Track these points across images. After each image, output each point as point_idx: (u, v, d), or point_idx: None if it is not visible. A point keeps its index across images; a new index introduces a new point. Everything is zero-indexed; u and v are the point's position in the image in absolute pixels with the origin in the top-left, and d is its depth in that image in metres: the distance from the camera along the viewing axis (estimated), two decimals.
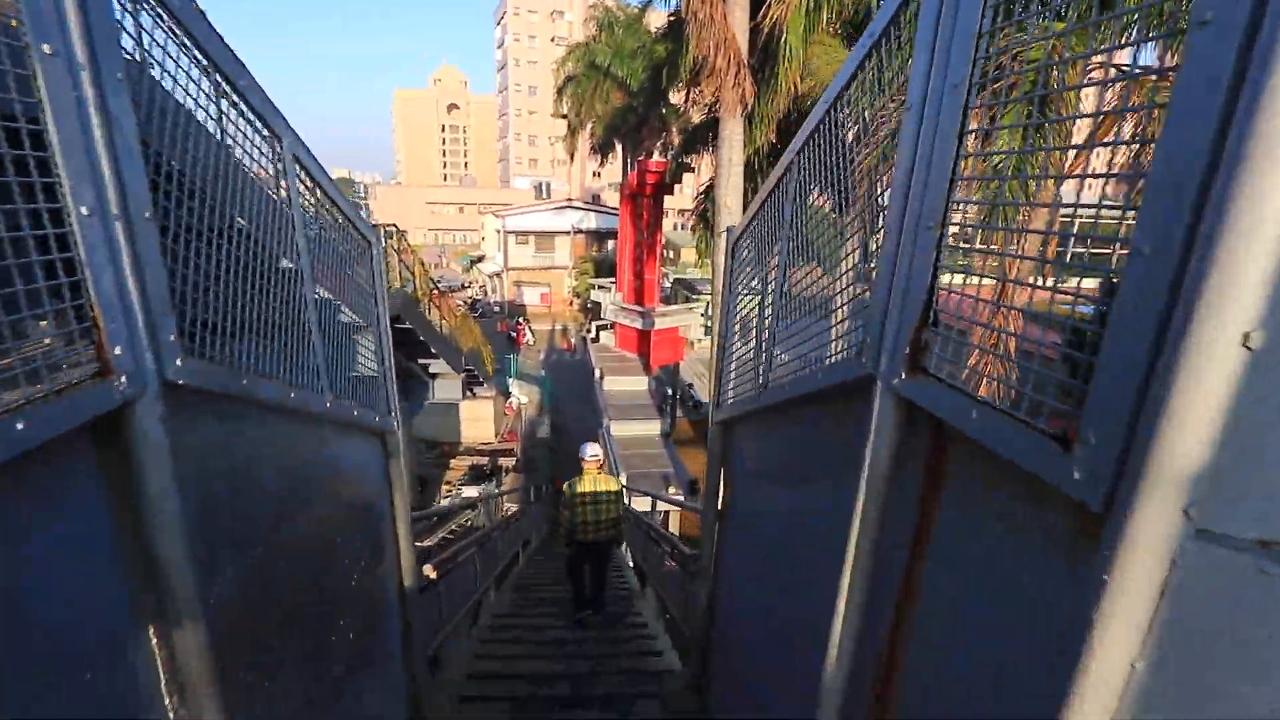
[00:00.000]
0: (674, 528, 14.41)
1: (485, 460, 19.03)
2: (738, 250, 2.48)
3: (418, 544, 11.64)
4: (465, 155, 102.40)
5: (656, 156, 20.82)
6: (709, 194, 15.98)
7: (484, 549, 5.01)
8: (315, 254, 1.99)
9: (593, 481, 5.31)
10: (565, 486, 5.47)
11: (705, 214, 15.59)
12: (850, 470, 1.43)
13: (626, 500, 11.02)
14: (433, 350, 13.06)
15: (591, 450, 5.47)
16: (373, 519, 2.44)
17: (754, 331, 2.14)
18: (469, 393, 19.96)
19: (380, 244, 2.56)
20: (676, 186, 21.00)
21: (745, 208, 14.17)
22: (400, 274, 11.02)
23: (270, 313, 1.63)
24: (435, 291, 14.91)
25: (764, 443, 2.09)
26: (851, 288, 1.47)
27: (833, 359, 1.60)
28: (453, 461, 19.17)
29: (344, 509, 2.16)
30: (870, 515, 1.31)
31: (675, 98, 19.03)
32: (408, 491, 2.69)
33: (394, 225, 10.76)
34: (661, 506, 10.53)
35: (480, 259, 49.13)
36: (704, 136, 14.47)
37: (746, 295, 2.43)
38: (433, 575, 2.99)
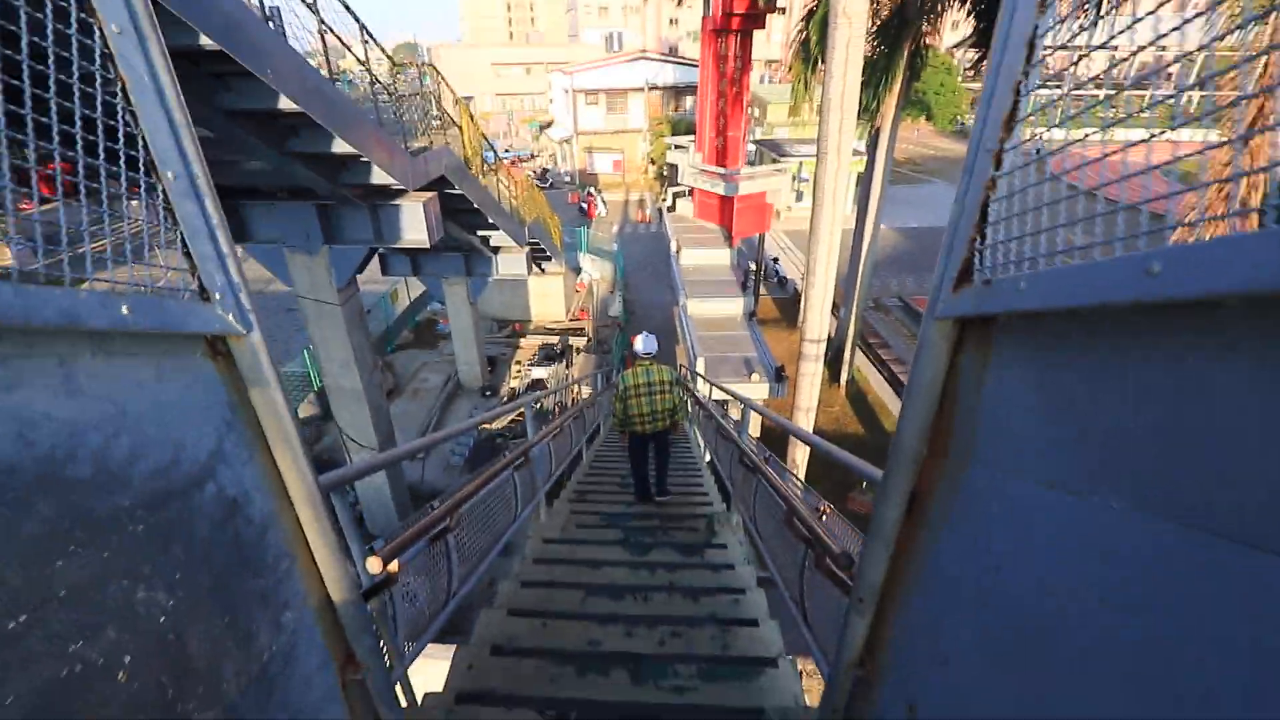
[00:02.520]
0: (754, 427, 13.24)
1: (556, 340, 18.29)
2: None
3: (486, 426, 10.97)
4: (532, 9, 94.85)
5: None
6: (810, 19, 12.94)
7: (526, 467, 3.86)
8: None
9: (645, 372, 5.25)
10: (619, 379, 5.43)
11: (806, 44, 12.72)
12: None
13: (705, 391, 9.81)
14: (490, 220, 11.73)
15: (640, 347, 5.38)
16: (207, 524, 1.15)
17: None
18: (537, 268, 18.85)
19: None
20: (764, 27, 17.58)
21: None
22: (446, 123, 9.43)
23: None
24: (503, 163, 13.29)
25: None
26: None
27: None
28: (522, 341, 18.56)
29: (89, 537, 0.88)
30: None
31: None
32: (299, 440, 1.34)
33: (432, 65, 9.01)
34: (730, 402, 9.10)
35: (549, 124, 46.15)
36: None
37: None
38: (391, 569, 1.76)
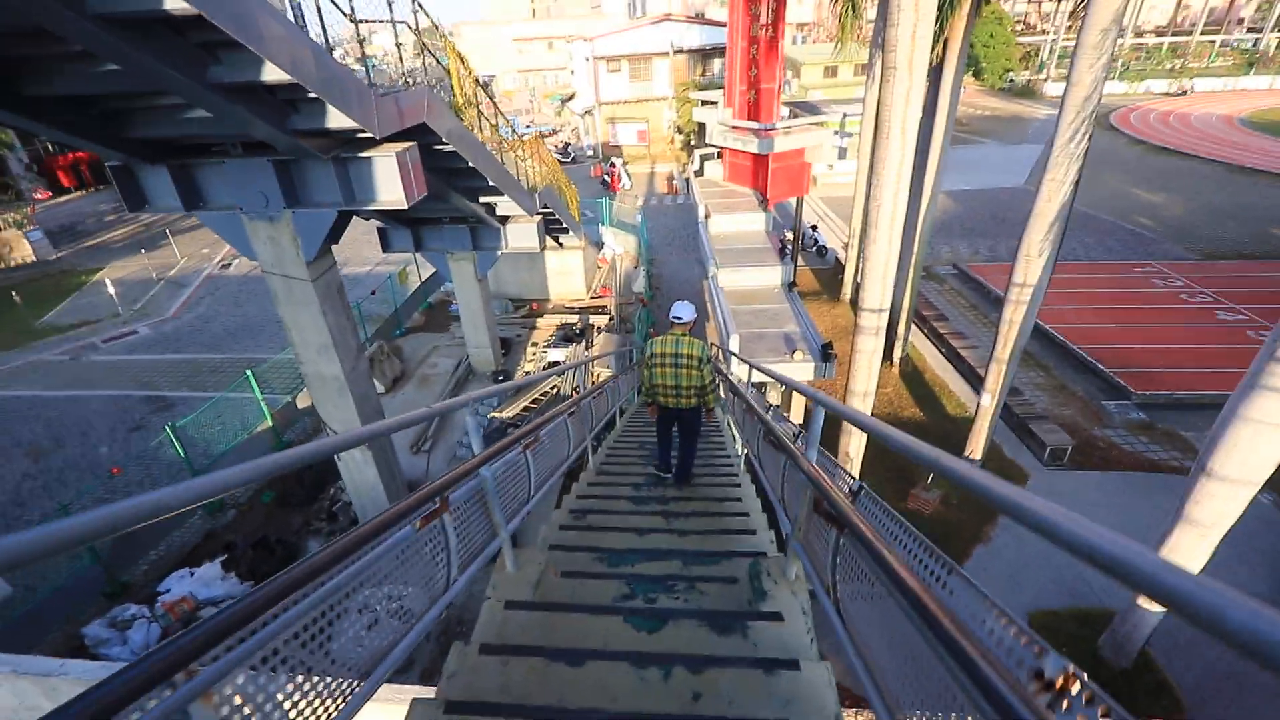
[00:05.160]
0: (795, 411, 11.59)
1: (576, 319, 16.85)
2: None
3: (496, 414, 9.50)
4: None
5: None
6: None
7: (443, 514, 2.34)
8: None
9: (674, 342, 4.93)
10: (647, 344, 5.14)
11: None
12: None
13: (743, 374, 8.26)
14: (490, 182, 10.26)
15: (675, 311, 4.98)
16: None
17: None
18: (554, 241, 17.39)
19: None
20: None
21: None
22: (424, 62, 7.98)
23: None
24: (520, 139, 11.76)
25: None
26: None
27: None
28: (540, 321, 17.18)
29: None
30: None
31: None
32: None
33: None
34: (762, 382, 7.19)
35: (570, 98, 44.34)
36: None
37: None
38: None
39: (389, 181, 7.28)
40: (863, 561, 1.77)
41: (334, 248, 8.25)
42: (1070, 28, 49.60)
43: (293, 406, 13.28)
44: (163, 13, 4.24)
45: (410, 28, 7.60)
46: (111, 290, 20.02)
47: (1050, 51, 51.28)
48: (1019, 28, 52.32)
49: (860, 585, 1.86)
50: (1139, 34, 52.43)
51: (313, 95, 5.89)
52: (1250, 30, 52.02)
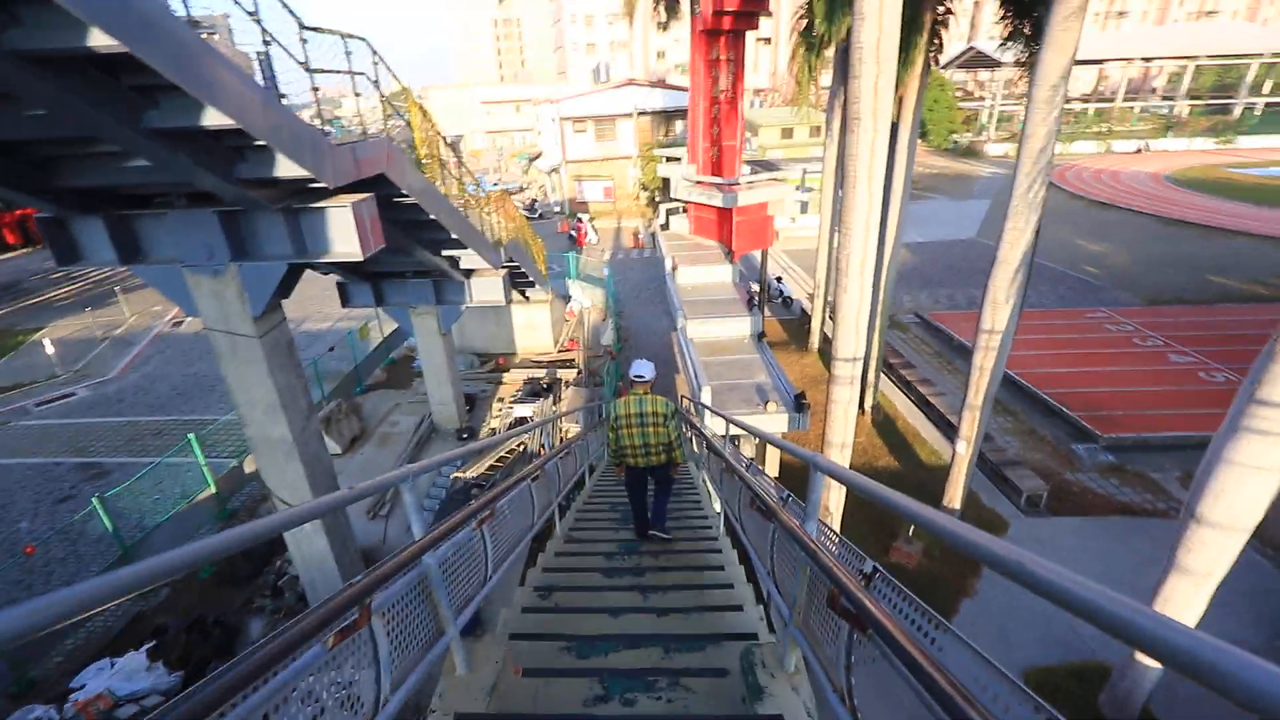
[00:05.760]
0: (770, 464, 11.30)
1: (543, 373, 16.45)
2: None
3: (459, 475, 8.92)
4: (521, 51, 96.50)
5: None
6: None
7: (362, 628, 1.89)
8: None
9: (638, 401, 4.89)
10: (609, 407, 5.15)
11: (809, 29, 11.21)
12: None
13: (717, 428, 7.95)
14: (454, 235, 10.01)
15: (635, 370, 4.95)
16: None
17: None
18: (520, 295, 17.14)
19: None
20: (757, 27, 16.30)
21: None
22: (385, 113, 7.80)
23: None
24: (455, 160, 11.64)
25: None
26: None
27: None
28: (506, 376, 16.71)
29: None
30: None
31: None
32: None
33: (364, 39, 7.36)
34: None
35: (537, 156, 45.20)
36: None
37: None
38: None
39: (344, 233, 6.95)
40: (895, 673, 1.42)
41: (292, 303, 7.81)
42: (1007, 94, 53.48)
43: (239, 471, 12.40)
44: (86, 50, 3.93)
45: (370, 80, 7.44)
46: (50, 350, 18.87)
47: (990, 116, 54.91)
48: (958, 94, 56.01)
49: (891, 698, 1.50)
50: (1067, 100, 56.67)
51: (260, 142, 5.62)
52: (1165, 98, 56.60)
